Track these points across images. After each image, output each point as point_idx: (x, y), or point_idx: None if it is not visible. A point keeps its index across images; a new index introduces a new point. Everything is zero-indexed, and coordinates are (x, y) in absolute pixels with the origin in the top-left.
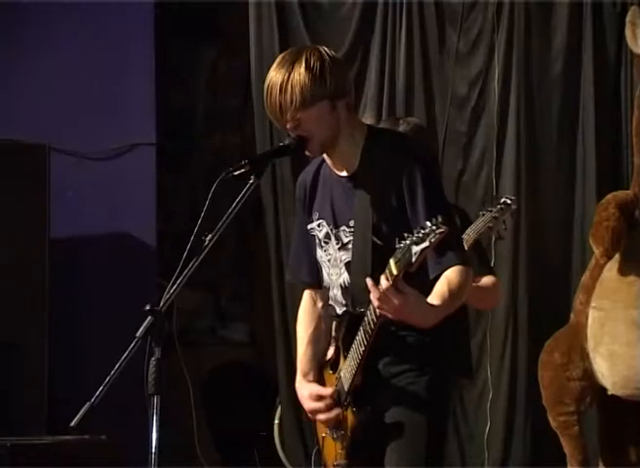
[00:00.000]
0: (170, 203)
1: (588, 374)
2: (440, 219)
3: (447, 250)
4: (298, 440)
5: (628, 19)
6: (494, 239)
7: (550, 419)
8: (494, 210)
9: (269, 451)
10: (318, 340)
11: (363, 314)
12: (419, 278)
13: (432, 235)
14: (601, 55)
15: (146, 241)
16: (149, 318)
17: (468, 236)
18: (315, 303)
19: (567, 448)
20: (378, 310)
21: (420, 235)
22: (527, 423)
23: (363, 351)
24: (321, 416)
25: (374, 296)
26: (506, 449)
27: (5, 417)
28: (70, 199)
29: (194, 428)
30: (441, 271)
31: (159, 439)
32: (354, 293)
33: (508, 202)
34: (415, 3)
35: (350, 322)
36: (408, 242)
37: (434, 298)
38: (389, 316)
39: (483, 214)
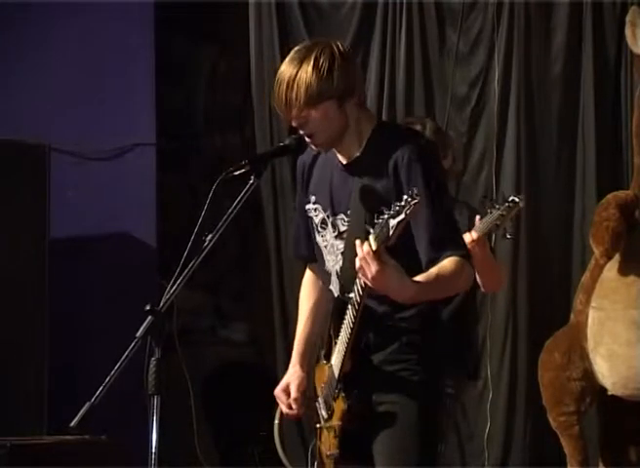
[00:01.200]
0: (170, 203)
1: (588, 374)
2: (415, 191)
3: (444, 244)
4: (298, 440)
5: (628, 18)
6: (499, 236)
7: (550, 419)
8: (501, 207)
9: (269, 451)
10: (319, 314)
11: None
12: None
13: (407, 207)
14: (601, 55)
15: (146, 241)
16: (149, 318)
17: (476, 232)
18: (318, 276)
19: (567, 448)
20: (361, 278)
21: (397, 208)
22: (527, 423)
23: (350, 333)
24: (280, 405)
25: (358, 258)
26: (506, 449)
27: (5, 417)
28: (70, 199)
29: (194, 428)
30: (435, 262)
31: (159, 439)
32: (344, 280)
33: (517, 200)
34: (415, 3)
35: (340, 308)
36: (385, 216)
37: (419, 276)
38: (368, 282)
39: (490, 212)
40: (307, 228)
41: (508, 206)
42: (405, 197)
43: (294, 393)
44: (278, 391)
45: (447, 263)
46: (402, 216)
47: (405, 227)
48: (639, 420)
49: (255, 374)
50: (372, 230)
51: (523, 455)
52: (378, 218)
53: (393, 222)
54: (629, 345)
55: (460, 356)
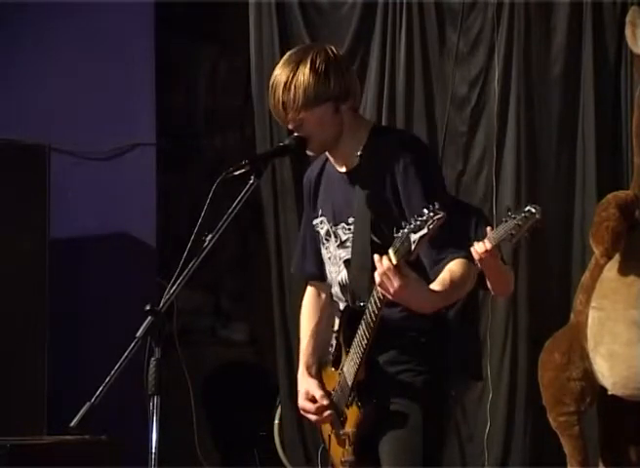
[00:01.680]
0: (170, 203)
1: (588, 374)
2: (437, 206)
3: (445, 245)
4: (298, 440)
5: (628, 19)
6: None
7: (550, 419)
8: (518, 217)
9: (269, 451)
10: (322, 332)
11: (363, 308)
12: (419, 272)
13: (430, 222)
14: (601, 55)
15: (146, 241)
16: (149, 318)
17: (489, 241)
18: (319, 295)
19: (567, 448)
20: (379, 289)
21: (418, 223)
22: (527, 423)
23: (366, 345)
24: (310, 416)
25: (377, 272)
26: (506, 449)
27: (5, 417)
28: (70, 199)
29: (194, 428)
30: (442, 267)
31: (159, 439)
32: (354, 290)
33: (533, 211)
34: (415, 3)
35: (350, 317)
36: (406, 230)
37: (435, 285)
38: (389, 296)
39: (506, 221)
40: (317, 245)
41: (525, 216)
42: (426, 211)
43: (320, 398)
44: (302, 402)
45: (455, 267)
46: (424, 231)
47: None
48: (639, 420)
49: (255, 374)
50: (391, 247)
51: (523, 455)
52: (397, 232)
53: (415, 237)
54: (630, 345)
55: (464, 356)
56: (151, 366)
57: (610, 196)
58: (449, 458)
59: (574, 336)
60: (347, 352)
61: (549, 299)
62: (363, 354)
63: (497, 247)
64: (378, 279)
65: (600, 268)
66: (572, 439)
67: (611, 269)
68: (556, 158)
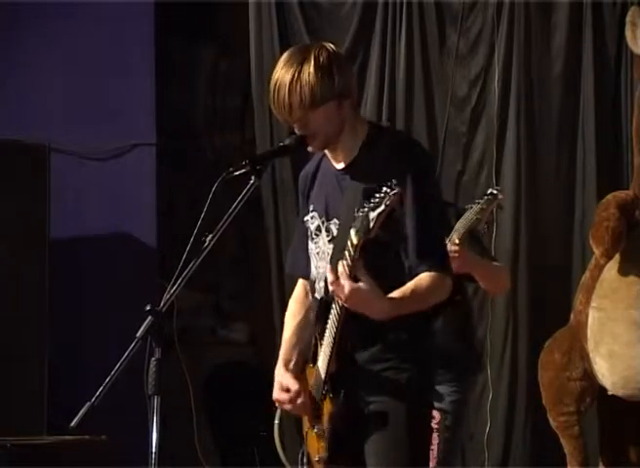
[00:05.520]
0: (170, 203)
1: (588, 374)
2: (394, 182)
3: (429, 251)
4: (298, 440)
5: (628, 19)
6: (485, 230)
7: (550, 419)
8: (481, 202)
9: (269, 451)
10: (304, 329)
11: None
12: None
13: (387, 198)
14: (601, 55)
15: (146, 241)
16: (149, 318)
17: (458, 230)
18: (307, 294)
19: (567, 447)
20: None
21: (377, 200)
22: (527, 423)
23: (335, 333)
24: (285, 407)
25: (329, 281)
26: (506, 449)
27: (5, 417)
28: (70, 199)
29: (194, 428)
30: (417, 272)
31: (159, 439)
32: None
33: (495, 192)
34: (415, 3)
35: (324, 309)
36: (365, 209)
37: (396, 293)
38: (342, 302)
39: (471, 207)
40: (307, 245)
41: (488, 199)
42: (384, 189)
43: (292, 386)
44: (276, 393)
45: (424, 279)
46: (382, 208)
47: (386, 219)
48: (639, 420)
49: (255, 374)
50: (352, 227)
51: (523, 455)
52: (357, 212)
53: (373, 215)
54: (629, 345)
55: (459, 355)
56: (151, 366)
57: (610, 196)
58: None
59: (574, 336)
60: (321, 345)
61: (549, 299)
62: (333, 345)
63: (467, 235)
64: (331, 287)
65: (600, 268)
66: (572, 439)
67: (611, 269)
68: (556, 158)
